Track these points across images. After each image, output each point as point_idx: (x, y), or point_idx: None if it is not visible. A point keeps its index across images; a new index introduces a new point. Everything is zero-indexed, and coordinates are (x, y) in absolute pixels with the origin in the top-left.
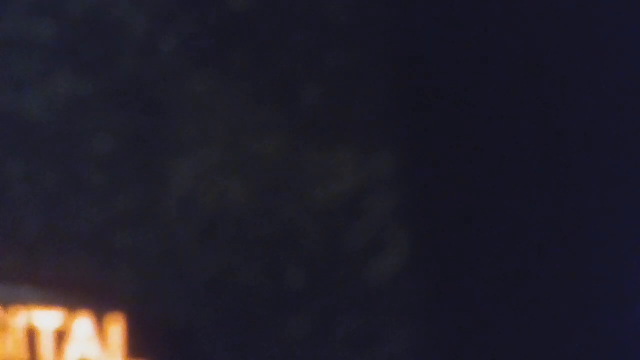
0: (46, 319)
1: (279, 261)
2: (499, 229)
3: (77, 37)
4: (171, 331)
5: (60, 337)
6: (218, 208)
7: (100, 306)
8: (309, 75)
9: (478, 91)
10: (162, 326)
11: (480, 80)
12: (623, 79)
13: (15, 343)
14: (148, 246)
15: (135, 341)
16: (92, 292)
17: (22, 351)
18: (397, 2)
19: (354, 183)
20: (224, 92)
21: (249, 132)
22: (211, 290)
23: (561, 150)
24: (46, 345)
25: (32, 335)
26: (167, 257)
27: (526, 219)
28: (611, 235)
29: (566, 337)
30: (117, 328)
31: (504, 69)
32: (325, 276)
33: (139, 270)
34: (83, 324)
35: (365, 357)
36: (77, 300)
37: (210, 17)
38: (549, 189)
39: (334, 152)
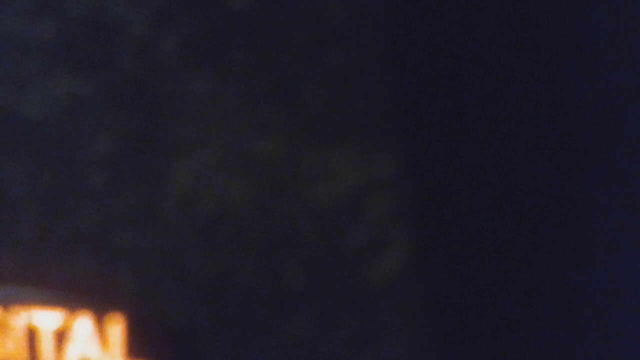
0: (46, 319)
1: (279, 261)
2: (498, 229)
3: (76, 36)
4: (171, 331)
5: (60, 337)
6: (218, 208)
7: (100, 306)
8: (309, 75)
9: (478, 91)
10: (162, 326)
11: (480, 80)
12: (624, 79)
13: (15, 343)
14: (148, 246)
15: (135, 341)
16: (92, 292)
17: (22, 351)
18: (397, 2)
19: (354, 183)
20: (224, 92)
21: (249, 132)
22: (211, 290)
23: (562, 150)
24: (46, 345)
25: (32, 335)
26: (167, 257)
27: (526, 218)
28: (612, 235)
29: (566, 335)
30: (117, 328)
31: (504, 68)
32: (325, 276)
33: (139, 270)
34: (83, 324)
35: (365, 357)
36: (77, 300)
37: (210, 17)
38: (549, 189)
39: (334, 152)
